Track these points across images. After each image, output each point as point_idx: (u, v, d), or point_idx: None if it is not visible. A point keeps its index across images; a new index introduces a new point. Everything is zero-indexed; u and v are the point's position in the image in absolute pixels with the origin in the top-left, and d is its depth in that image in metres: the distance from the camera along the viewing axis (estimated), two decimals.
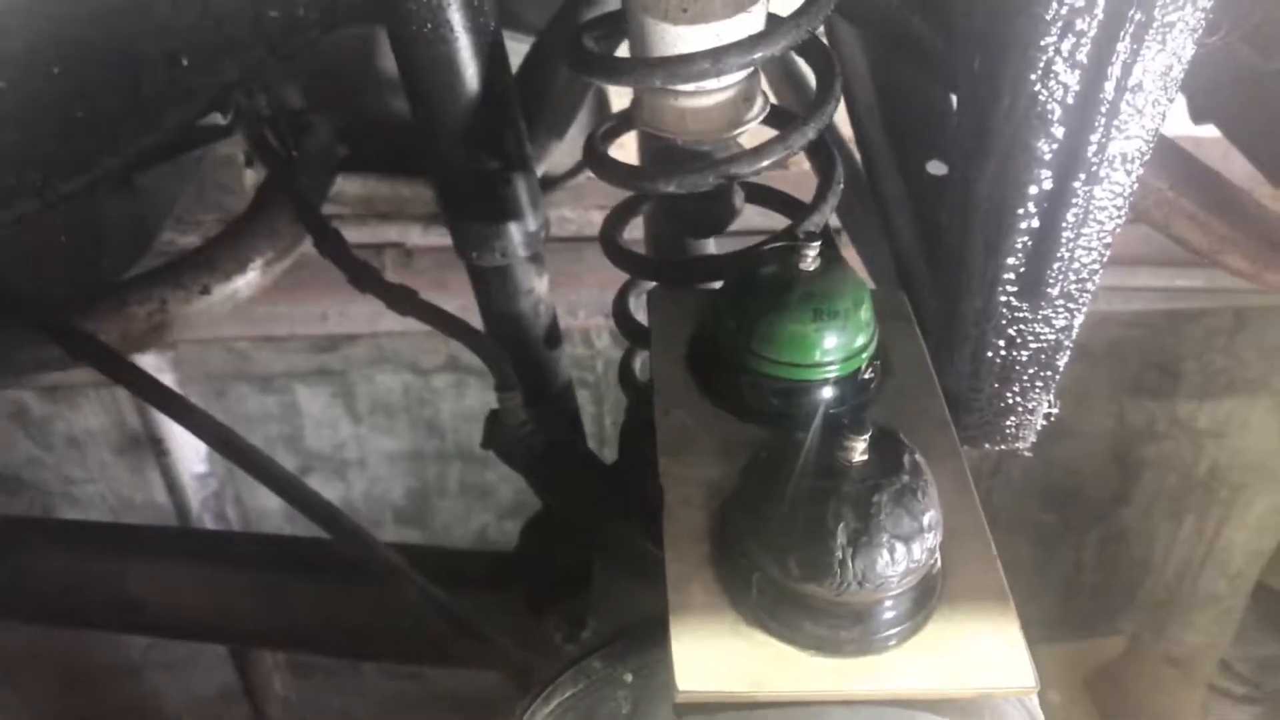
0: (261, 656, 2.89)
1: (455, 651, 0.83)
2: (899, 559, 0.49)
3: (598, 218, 2.52)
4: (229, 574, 0.90)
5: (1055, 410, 0.82)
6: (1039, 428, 0.82)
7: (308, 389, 3.00)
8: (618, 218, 0.75)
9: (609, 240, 0.74)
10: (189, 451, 2.80)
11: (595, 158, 0.69)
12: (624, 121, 0.71)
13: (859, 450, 0.50)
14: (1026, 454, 0.83)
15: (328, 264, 2.82)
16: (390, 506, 3.24)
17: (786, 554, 0.50)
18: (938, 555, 0.52)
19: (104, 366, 0.74)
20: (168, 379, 2.74)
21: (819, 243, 0.61)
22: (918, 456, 0.52)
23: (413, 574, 0.73)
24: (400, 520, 3.25)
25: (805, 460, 0.52)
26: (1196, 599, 3.72)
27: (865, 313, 0.62)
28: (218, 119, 1.00)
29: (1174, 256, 2.65)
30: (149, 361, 2.68)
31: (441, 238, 2.58)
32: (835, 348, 0.61)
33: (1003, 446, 0.83)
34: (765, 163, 0.65)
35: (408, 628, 0.86)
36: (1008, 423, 0.81)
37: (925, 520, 0.50)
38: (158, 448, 2.79)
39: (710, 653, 0.52)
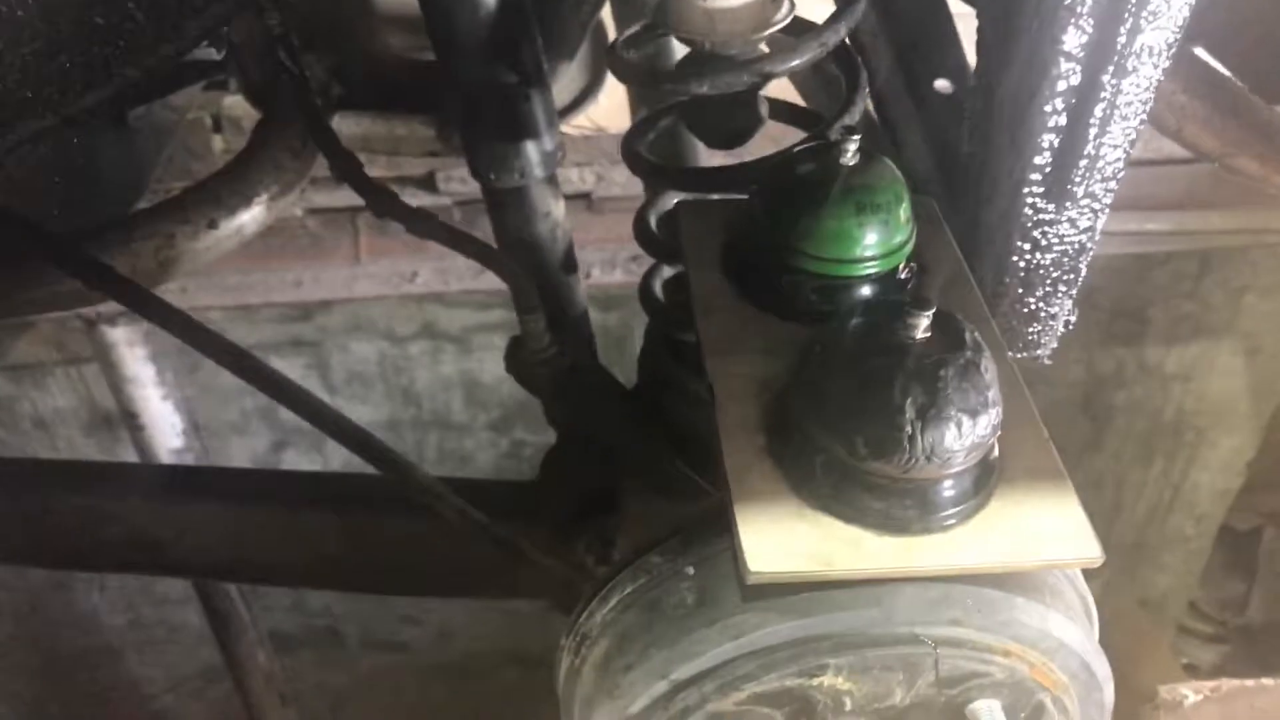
0: (244, 630, 2.87)
1: (495, 579, 0.82)
2: (965, 433, 0.50)
3: (574, 175, 2.50)
4: (250, 509, 0.88)
5: (1074, 318, 0.83)
6: (1060, 335, 0.83)
7: (282, 360, 2.96)
8: (640, 129, 0.74)
9: (632, 152, 0.73)
10: (165, 426, 2.76)
11: (620, 63, 0.68)
12: (647, 28, 0.71)
13: (922, 327, 0.50)
14: (1046, 362, 0.84)
15: (300, 229, 2.76)
16: None
17: (854, 434, 0.50)
18: (999, 434, 0.53)
19: (128, 300, 0.72)
20: (139, 352, 2.69)
21: (859, 136, 0.60)
22: (977, 334, 0.52)
23: (454, 497, 0.72)
24: None
25: (866, 342, 0.52)
26: (1165, 541, 3.80)
27: (905, 209, 0.62)
28: (211, 54, 0.98)
29: (1142, 200, 2.69)
30: (119, 334, 2.63)
31: (415, 199, 2.55)
32: (876, 243, 0.61)
33: (1024, 354, 0.83)
34: (800, 60, 0.65)
35: (444, 558, 0.85)
36: (1030, 330, 0.82)
37: (989, 395, 0.50)
38: (132, 423, 2.75)
39: (776, 536, 0.52)
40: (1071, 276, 0.78)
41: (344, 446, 0.73)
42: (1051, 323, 0.82)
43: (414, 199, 2.49)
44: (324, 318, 2.86)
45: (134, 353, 2.62)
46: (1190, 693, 1.19)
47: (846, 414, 0.51)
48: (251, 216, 0.90)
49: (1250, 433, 3.46)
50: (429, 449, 3.23)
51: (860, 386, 0.50)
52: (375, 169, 2.48)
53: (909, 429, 0.49)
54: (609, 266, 2.59)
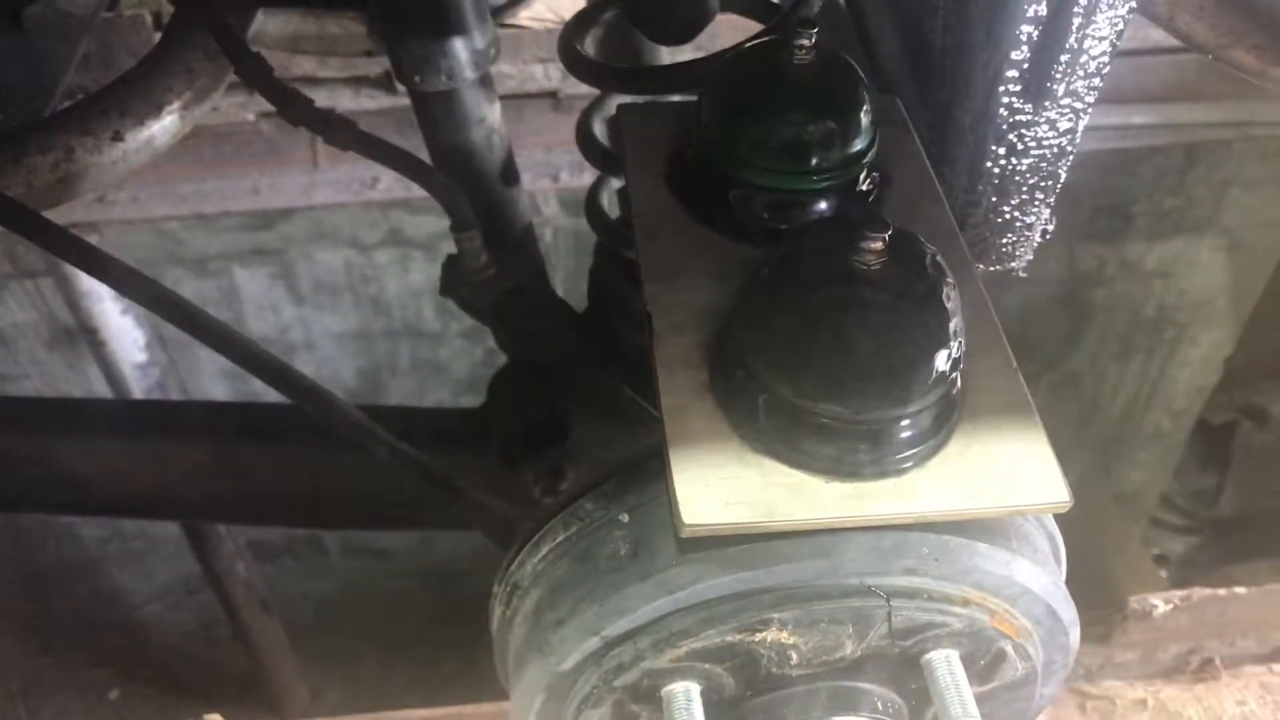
0: (222, 542, 2.85)
1: (429, 512, 0.78)
2: (924, 370, 0.44)
3: (539, 72, 2.38)
4: (177, 444, 0.83)
5: (1052, 227, 0.77)
6: (1035, 246, 0.77)
7: (245, 270, 2.88)
8: (580, 24, 0.67)
9: (570, 50, 0.66)
10: (127, 341, 2.69)
11: None
12: None
13: (877, 251, 0.44)
14: (1021, 275, 0.79)
15: (254, 135, 2.64)
16: (341, 388, 3.17)
17: (801, 371, 0.45)
18: (961, 367, 0.48)
19: (16, 225, 0.65)
20: None
21: (814, 31, 0.53)
22: (940, 258, 0.47)
23: (380, 430, 0.67)
24: (353, 401, 3.19)
25: (815, 268, 0.46)
26: (1141, 437, 3.82)
27: (866, 113, 0.56)
28: None
29: (1128, 93, 2.60)
30: None
31: (373, 100, 2.43)
32: (834, 152, 0.55)
33: (997, 267, 0.78)
34: None
35: (377, 491, 0.81)
36: (1004, 240, 0.76)
37: (951, 326, 0.45)
38: (92, 338, 2.67)
39: (715, 483, 0.47)
40: (1050, 183, 0.72)
41: (262, 380, 0.67)
42: (1027, 233, 0.76)
43: (371, 100, 2.37)
44: (286, 226, 2.77)
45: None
46: (1160, 602, 1.18)
47: (792, 349, 0.46)
48: (162, 127, 0.81)
49: (1229, 329, 3.45)
50: (402, 358, 3.18)
51: (807, 319, 0.45)
52: (329, 69, 2.36)
53: (862, 367, 0.44)
54: (577, 169, 2.49)
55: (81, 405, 1.10)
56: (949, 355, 0.45)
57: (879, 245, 0.44)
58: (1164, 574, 3.02)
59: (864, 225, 0.44)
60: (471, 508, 0.70)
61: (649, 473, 0.52)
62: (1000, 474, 0.48)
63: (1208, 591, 1.20)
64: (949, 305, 0.45)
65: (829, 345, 0.44)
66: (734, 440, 0.48)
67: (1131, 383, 3.62)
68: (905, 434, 0.47)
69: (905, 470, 0.48)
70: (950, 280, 0.46)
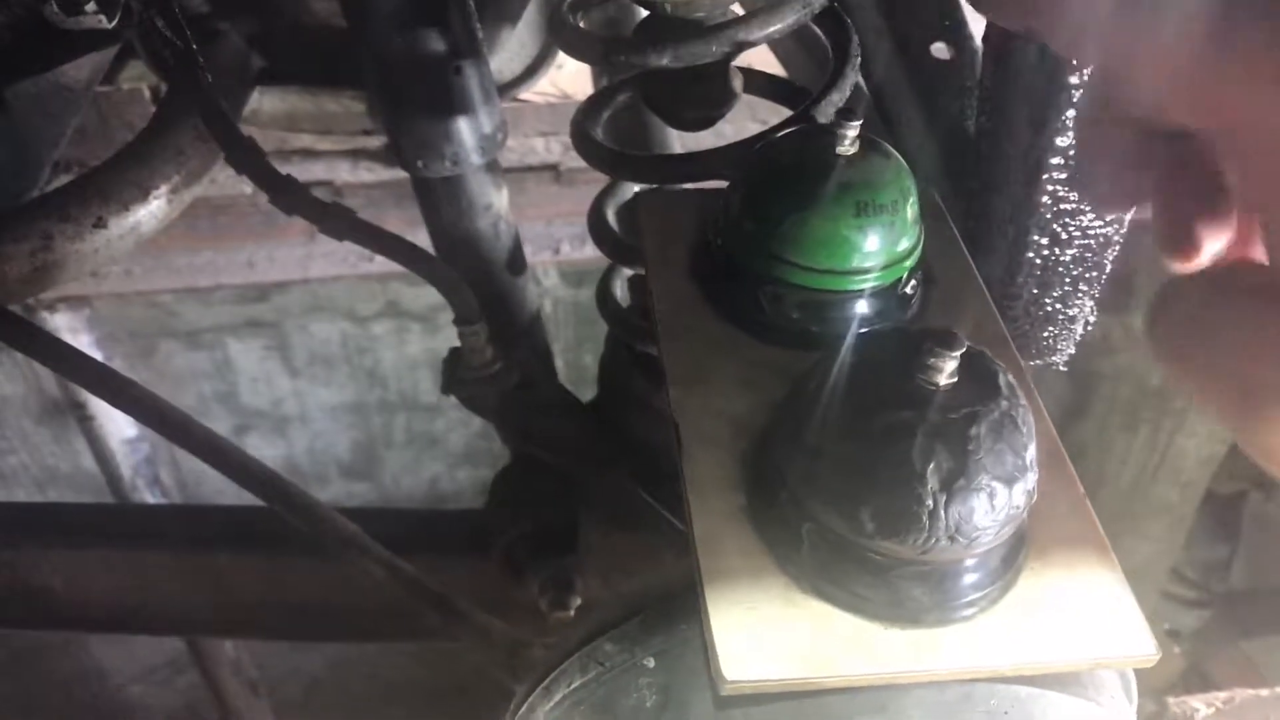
0: None
1: (425, 626, 0.72)
2: (999, 505, 0.39)
3: (540, 145, 2.36)
4: (151, 552, 0.77)
5: (1094, 318, 0.72)
6: (1078, 339, 0.73)
7: (239, 343, 2.84)
8: (593, 107, 0.63)
9: (583, 135, 0.62)
10: (116, 416, 2.63)
11: (565, 31, 0.56)
12: None
13: (948, 371, 0.39)
14: (1061, 369, 0.74)
15: (251, 207, 2.62)
16: (335, 461, 3.11)
17: (857, 504, 0.40)
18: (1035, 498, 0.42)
19: None
20: (84, 339, 2.55)
21: (859, 121, 0.49)
22: (1011, 378, 0.41)
23: (373, 544, 0.62)
24: (347, 475, 3.13)
25: (875, 387, 0.41)
26: (1150, 509, 3.75)
27: (912, 208, 0.51)
28: (101, 21, 0.85)
29: None
30: (61, 320, 2.49)
31: (372, 173, 2.41)
32: (878, 250, 0.50)
33: (1037, 361, 0.73)
34: (780, 25, 0.53)
35: (370, 603, 0.75)
36: (1044, 333, 0.71)
37: (1027, 456, 0.40)
38: (80, 414, 2.62)
39: (758, 629, 0.41)
40: (1095, 274, 0.68)
41: (243, 487, 0.61)
42: (1070, 326, 0.71)
43: (370, 173, 2.35)
44: (281, 298, 2.73)
45: (78, 340, 2.48)
46: (1201, 705, 1.11)
47: (848, 480, 0.40)
48: (149, 212, 0.77)
49: None
50: (398, 431, 3.12)
51: (867, 447, 0.39)
52: (328, 141, 2.34)
53: (930, 502, 0.38)
54: (579, 242, 2.46)
55: (48, 509, 1.04)
56: (1025, 488, 0.40)
57: (950, 364, 0.39)
58: (1177, 650, 2.93)
59: (931, 340, 0.39)
60: (472, 629, 0.64)
61: (677, 608, 0.46)
62: (1076, 620, 0.42)
63: (1249, 692, 1.14)
64: (1024, 431, 0.40)
65: (891, 479, 0.39)
66: (778, 577, 0.43)
67: (1139, 454, 3.56)
68: (972, 576, 0.41)
69: (972, 616, 0.42)
70: (1024, 403, 0.41)
